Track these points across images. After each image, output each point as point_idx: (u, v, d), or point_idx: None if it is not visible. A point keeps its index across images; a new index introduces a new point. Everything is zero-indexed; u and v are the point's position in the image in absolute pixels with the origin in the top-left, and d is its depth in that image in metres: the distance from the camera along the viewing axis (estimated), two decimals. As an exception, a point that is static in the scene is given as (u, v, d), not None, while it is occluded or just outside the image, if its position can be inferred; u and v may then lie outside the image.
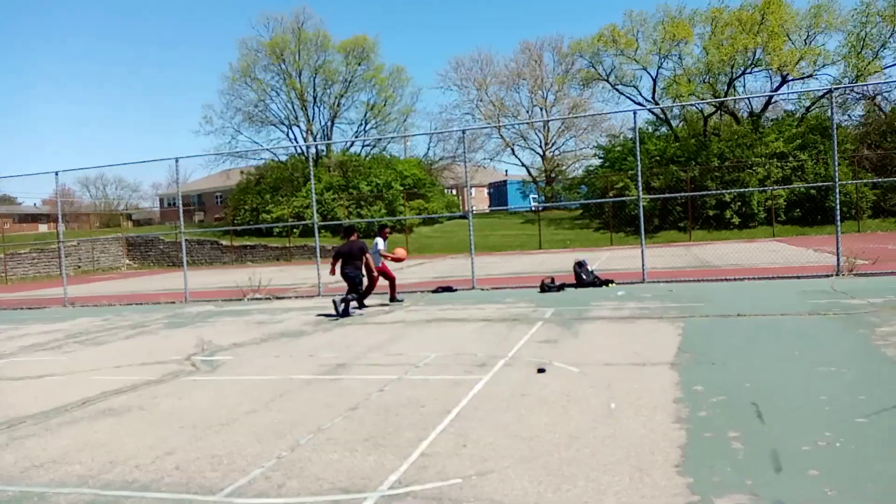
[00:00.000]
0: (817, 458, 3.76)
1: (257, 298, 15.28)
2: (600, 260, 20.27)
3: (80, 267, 36.37)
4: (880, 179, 24.91)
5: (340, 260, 11.78)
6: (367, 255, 11.92)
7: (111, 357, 8.80)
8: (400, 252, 13.31)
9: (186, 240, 16.96)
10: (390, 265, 13.06)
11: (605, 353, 6.98)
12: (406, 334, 9.06)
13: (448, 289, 14.17)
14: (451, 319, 10.15)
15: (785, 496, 3.28)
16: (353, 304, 11.79)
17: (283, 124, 45.43)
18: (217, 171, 50.04)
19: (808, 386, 5.24)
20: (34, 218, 68.31)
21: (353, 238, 11.92)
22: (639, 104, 39.29)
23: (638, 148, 14.23)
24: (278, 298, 15.18)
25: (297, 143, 45.50)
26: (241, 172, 45.46)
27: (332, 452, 4.41)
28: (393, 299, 12.81)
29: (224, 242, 37.66)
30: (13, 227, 56.60)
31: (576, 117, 47.74)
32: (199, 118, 64.22)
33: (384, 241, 12.77)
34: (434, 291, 14.17)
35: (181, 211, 16.76)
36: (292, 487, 3.85)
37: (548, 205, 43.24)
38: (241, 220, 39.48)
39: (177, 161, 16.85)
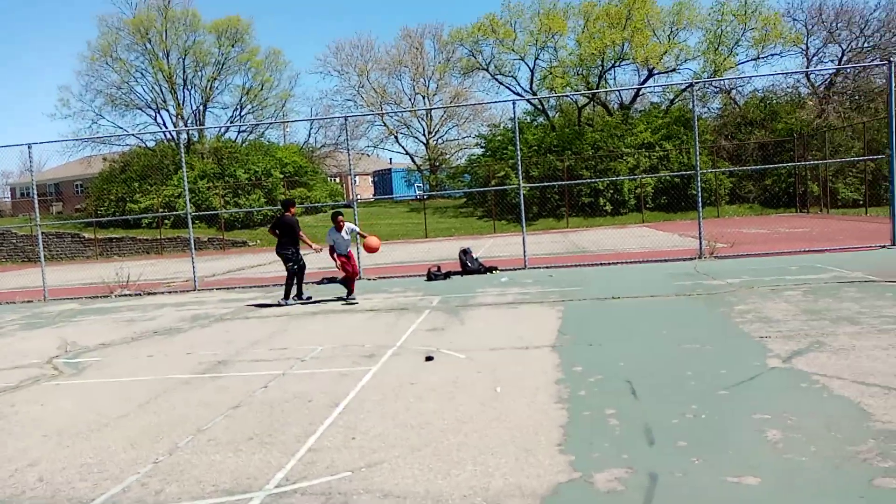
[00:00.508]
0: (685, 430, 4.05)
1: (126, 295, 14.35)
2: (484, 247, 20.72)
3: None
4: (736, 168, 27.14)
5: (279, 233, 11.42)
6: (302, 234, 11.53)
7: (-43, 364, 7.95)
8: (373, 241, 11.05)
9: (43, 233, 15.61)
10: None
11: (491, 338, 7.15)
12: (291, 327, 8.84)
13: (333, 279, 13.96)
14: (338, 311, 10.02)
15: (657, 467, 3.50)
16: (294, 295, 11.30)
17: (150, 108, 42.76)
18: (76, 158, 46.36)
19: (676, 363, 5.62)
20: None
21: (289, 213, 11.54)
22: (518, 94, 40.39)
23: (517, 137, 14.63)
24: (150, 294, 14.33)
25: (166, 128, 43.02)
26: (104, 160, 42.26)
27: (214, 454, 4.23)
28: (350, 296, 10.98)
29: (87, 235, 34.97)
30: None
31: (457, 106, 48.39)
32: (54, 101, 58.91)
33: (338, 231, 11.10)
34: (320, 283, 13.92)
35: (36, 201, 15.35)
36: (172, 493, 3.65)
37: (432, 193, 43.60)
38: (105, 210, 36.77)
39: (29, 147, 15.44)
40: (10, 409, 5.70)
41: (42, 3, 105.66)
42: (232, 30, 41.91)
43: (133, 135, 40.97)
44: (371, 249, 11.08)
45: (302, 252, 11.55)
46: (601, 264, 13.56)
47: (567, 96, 37.87)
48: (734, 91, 38.91)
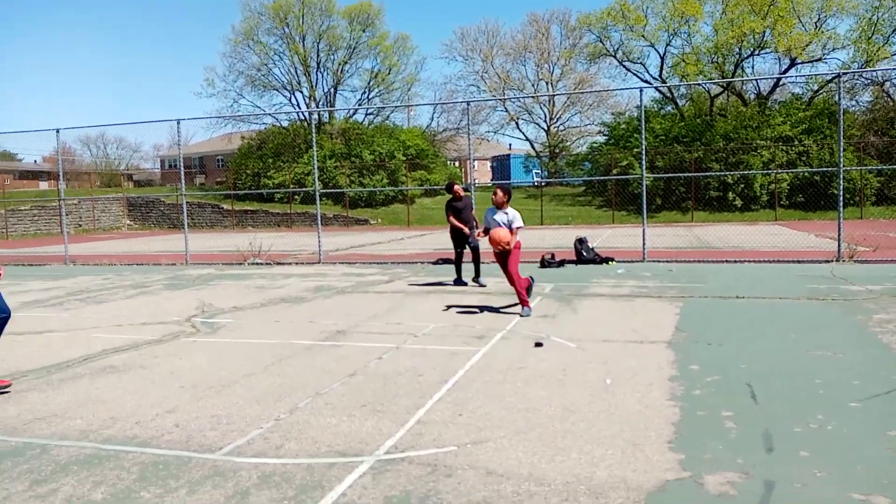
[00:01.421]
0: (809, 439, 3.82)
1: (258, 263, 15.32)
2: (601, 237, 20.29)
3: (80, 226, 36.37)
4: (885, 167, 24.83)
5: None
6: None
7: (112, 316, 8.85)
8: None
9: (188, 202, 16.95)
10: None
11: (603, 329, 7.03)
12: (406, 304, 9.11)
13: (449, 261, 14.19)
14: (451, 291, 10.20)
15: (775, 475, 3.34)
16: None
17: (286, 89, 45.09)
18: (219, 134, 49.75)
19: (803, 369, 5.29)
20: (35, 175, 68.07)
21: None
22: (646, 82, 38.97)
23: (643, 126, 14.14)
24: (278, 264, 15.22)
25: (299, 108, 45.18)
26: (243, 137, 45.18)
27: (330, 416, 4.47)
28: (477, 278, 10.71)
29: (225, 206, 37.61)
30: (13, 184, 56.41)
31: (581, 93, 47.36)
32: (201, 80, 63.43)
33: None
34: (435, 263, 14.21)
35: (182, 173, 16.70)
36: (290, 449, 3.91)
37: (550, 180, 43.11)
38: (242, 184, 39.36)
39: (178, 123, 16.76)
40: (153, 360, 6.29)
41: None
42: (364, 15, 43.25)
43: (269, 114, 43.43)
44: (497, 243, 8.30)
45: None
46: (726, 261, 12.91)
47: (699, 84, 36.03)
48: (888, 83, 35.45)
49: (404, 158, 39.05)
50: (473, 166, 18.84)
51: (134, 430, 4.32)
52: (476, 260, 10.65)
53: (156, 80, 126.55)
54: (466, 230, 10.38)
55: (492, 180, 57.32)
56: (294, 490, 3.34)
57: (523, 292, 8.02)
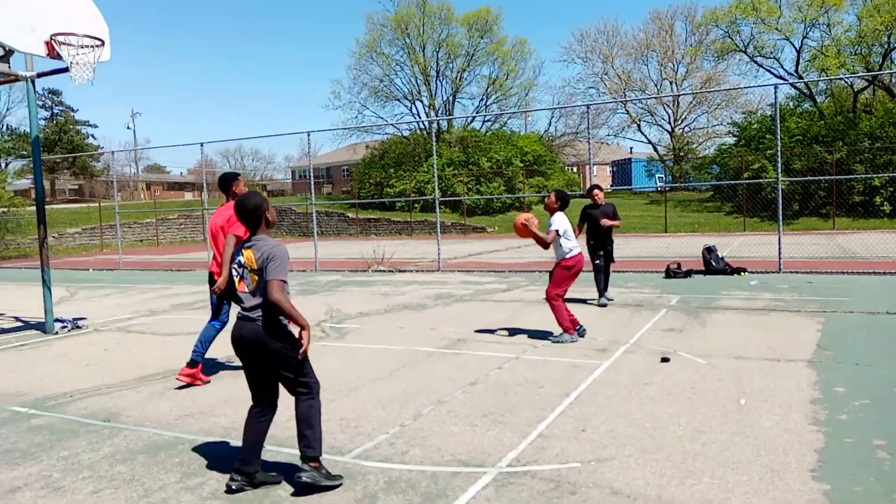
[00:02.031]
0: (979, 476, 3.43)
1: (381, 270, 15.84)
2: (732, 246, 19.24)
3: (220, 232, 39.16)
4: None
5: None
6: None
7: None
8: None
9: (317, 211, 17.83)
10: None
11: (736, 345, 6.67)
12: (524, 313, 9.09)
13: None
14: (570, 301, 10.05)
15: (938, 514, 3.03)
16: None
17: (407, 99, 46.38)
18: (345, 144, 51.97)
19: (970, 396, 4.76)
20: (181, 186, 74.23)
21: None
22: (780, 78, 36.57)
23: (778, 126, 13.28)
24: (400, 271, 15.65)
25: (419, 118, 46.30)
26: (367, 147, 46.96)
27: (452, 425, 4.55)
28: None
29: (350, 215, 39.17)
30: (163, 194, 61.83)
31: (709, 91, 45.10)
32: (328, 92, 66.88)
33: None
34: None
35: (312, 183, 17.59)
36: (415, 455, 4.01)
37: (675, 185, 41.44)
38: (365, 193, 40.86)
39: (308, 135, 17.68)
40: (288, 362, 6.66)
41: (320, 4, 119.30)
42: (482, 21, 43.70)
43: (391, 124, 44.85)
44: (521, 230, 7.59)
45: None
46: (874, 273, 11.85)
47: (841, 79, 33.30)
48: None
49: (521, 165, 38.99)
50: (593, 171, 18.49)
51: (272, 430, 4.58)
52: (606, 274, 9.79)
53: (288, 95, 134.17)
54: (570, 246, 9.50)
55: (612, 185, 55.94)
56: (419, 497, 3.43)
57: (561, 315, 7.14)
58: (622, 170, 54.79)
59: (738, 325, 7.72)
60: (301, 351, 3.57)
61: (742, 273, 12.51)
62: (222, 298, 5.86)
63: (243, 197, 3.72)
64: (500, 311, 9.31)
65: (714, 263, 12.80)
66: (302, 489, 3.56)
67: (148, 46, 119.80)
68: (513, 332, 7.79)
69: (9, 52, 8.57)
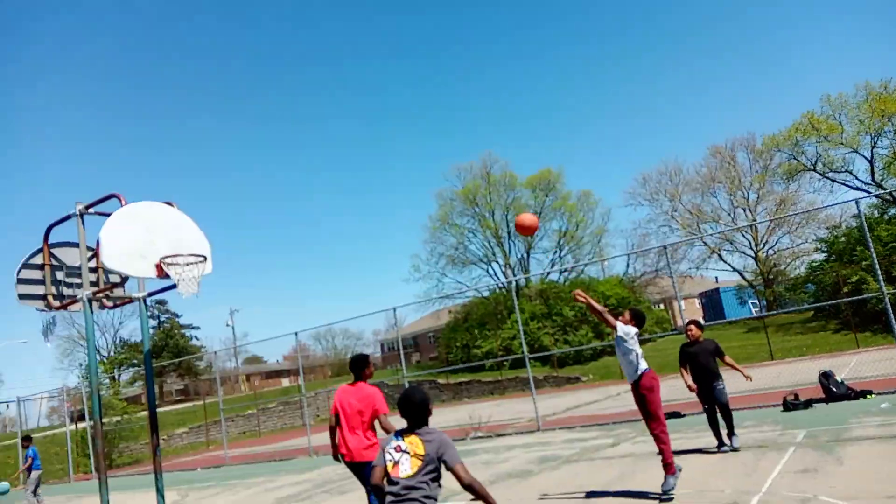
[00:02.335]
0: None
1: (480, 437, 15.44)
2: (849, 367, 17.85)
3: (318, 416, 39.58)
4: None
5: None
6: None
7: (354, 506, 9.29)
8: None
9: (408, 381, 17.90)
10: None
11: (882, 482, 6.00)
12: (638, 469, 8.54)
13: (675, 414, 13.28)
14: (685, 450, 9.42)
15: None
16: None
17: (483, 262, 47.72)
18: (428, 312, 53.05)
19: None
20: (277, 374, 76.57)
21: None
22: (857, 189, 35.73)
23: (868, 237, 12.79)
24: (499, 436, 15.20)
25: (497, 277, 47.21)
26: (450, 312, 47.81)
27: None
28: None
29: (441, 381, 39.06)
30: (261, 383, 63.77)
31: (786, 216, 44.29)
32: (407, 267, 69.85)
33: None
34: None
35: (402, 354, 17.89)
36: None
37: (772, 311, 39.57)
38: (453, 357, 40.93)
39: (395, 310, 18.25)
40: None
41: (399, 190, 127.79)
42: (544, 181, 45.69)
43: (471, 288, 45.84)
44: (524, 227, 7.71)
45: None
46: None
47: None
48: None
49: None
50: (681, 306, 18.07)
51: None
52: (725, 416, 8.90)
53: (371, 273, 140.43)
54: (692, 384, 8.93)
55: (704, 319, 53.95)
56: None
57: (668, 450, 6.65)
58: (711, 301, 53.05)
59: (878, 458, 6.98)
60: None
61: (868, 396, 11.50)
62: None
63: (409, 392, 4.07)
64: (612, 469, 8.79)
65: (834, 389, 11.87)
66: None
67: (243, 250, 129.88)
68: (632, 494, 7.29)
69: (124, 279, 9.54)
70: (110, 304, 10.00)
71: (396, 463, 3.82)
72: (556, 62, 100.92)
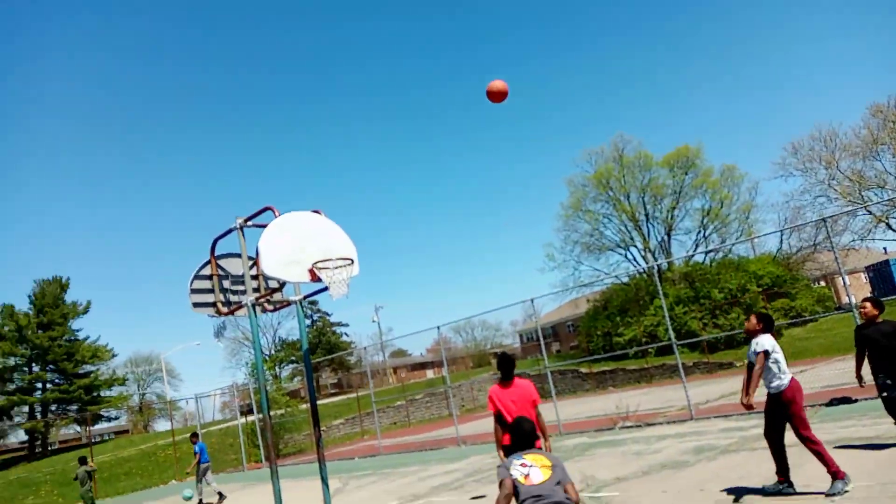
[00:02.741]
0: None
1: (628, 426, 15.10)
2: None
3: (463, 406, 40.46)
4: None
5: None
6: None
7: (506, 495, 9.44)
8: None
9: (550, 371, 17.86)
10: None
11: None
12: (804, 461, 7.97)
13: (845, 399, 12.25)
14: (859, 438, 8.69)
15: None
16: None
17: (620, 247, 46.30)
18: (566, 301, 52.36)
19: None
20: (422, 366, 79.06)
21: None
22: None
23: None
24: (649, 425, 14.78)
25: (636, 263, 45.70)
26: (588, 300, 46.92)
27: None
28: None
29: (583, 370, 38.51)
30: (407, 375, 66.15)
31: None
32: (542, 257, 69.31)
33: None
34: (827, 404, 12.37)
35: (543, 346, 17.83)
36: None
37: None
38: (594, 345, 40.20)
39: (532, 301, 18.25)
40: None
41: (521, 175, 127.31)
42: (682, 159, 43.46)
43: (609, 275, 44.72)
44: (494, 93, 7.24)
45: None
46: None
47: None
48: None
49: (759, 289, 36.09)
50: (845, 282, 16.62)
51: None
52: None
53: (507, 264, 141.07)
54: (862, 375, 7.93)
55: (872, 293, 49.07)
56: None
57: (829, 458, 6.31)
58: (880, 274, 48.12)
59: None
60: None
61: None
62: None
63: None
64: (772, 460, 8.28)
65: None
66: None
67: (386, 249, 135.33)
68: (801, 484, 6.85)
69: (282, 285, 10.30)
70: (271, 307, 10.83)
71: (527, 476, 4.38)
72: (689, 37, 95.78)
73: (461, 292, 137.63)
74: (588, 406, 23.76)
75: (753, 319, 6.97)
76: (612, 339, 38.99)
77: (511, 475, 4.39)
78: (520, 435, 4.74)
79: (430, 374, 72.50)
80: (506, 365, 6.31)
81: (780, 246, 45.29)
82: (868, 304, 7.90)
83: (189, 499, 15.12)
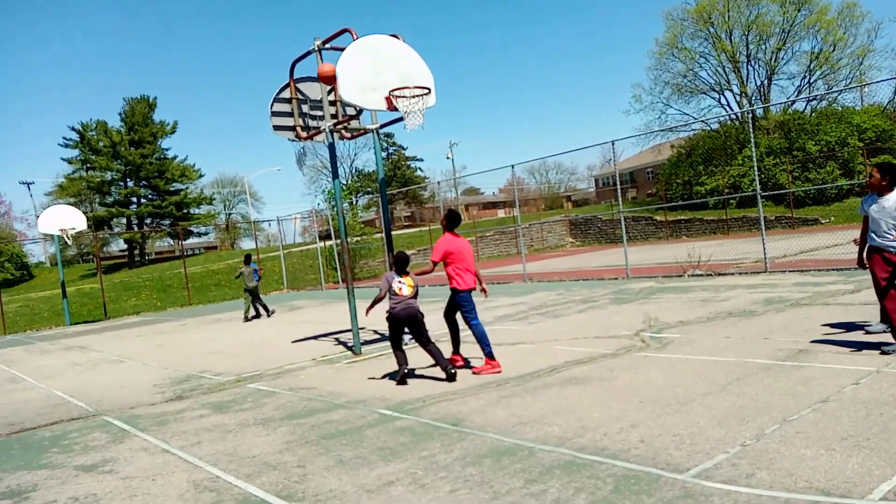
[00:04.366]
0: None
1: (698, 275, 15.01)
2: None
3: (532, 245, 41.10)
4: None
5: None
6: None
7: (568, 329, 9.76)
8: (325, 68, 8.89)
9: (623, 217, 17.65)
10: None
11: None
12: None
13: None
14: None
15: None
16: None
17: (714, 91, 43.40)
18: (648, 146, 50.49)
19: None
20: (493, 205, 79.71)
21: None
22: None
23: None
24: (720, 275, 14.65)
25: (729, 108, 42.93)
26: (672, 146, 45.02)
27: (802, 448, 4.11)
28: None
29: (658, 218, 37.92)
30: (479, 213, 67.07)
31: None
32: (627, 98, 65.79)
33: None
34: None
35: (619, 190, 17.48)
36: (762, 479, 3.72)
37: None
38: (672, 194, 39.18)
39: (612, 144, 17.61)
40: (610, 373, 6.70)
41: (616, 6, 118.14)
42: (799, -8, 39.00)
43: (698, 119, 42.38)
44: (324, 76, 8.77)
45: None
46: None
47: None
48: None
49: (860, 144, 33.58)
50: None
51: (602, 442, 4.67)
52: None
53: (588, 106, 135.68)
54: None
55: None
56: (773, 525, 3.17)
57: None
58: None
59: None
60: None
61: None
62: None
63: (400, 254, 7.59)
64: (847, 316, 8.13)
65: None
66: None
67: (461, 85, 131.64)
68: (867, 345, 6.74)
69: (359, 112, 10.21)
70: (348, 135, 10.87)
71: (400, 287, 7.35)
72: None
73: (537, 134, 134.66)
74: (658, 253, 23.66)
75: (877, 174, 6.37)
76: (692, 188, 37.82)
77: (391, 285, 7.34)
78: (399, 263, 7.48)
79: (500, 213, 73.20)
80: (456, 219, 7.78)
81: (893, 97, 41.35)
82: (876, 173, 6.50)
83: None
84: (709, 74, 43.12)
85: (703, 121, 42.46)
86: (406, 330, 7.43)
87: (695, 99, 44.62)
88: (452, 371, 7.16)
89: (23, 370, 12.47)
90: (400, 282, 7.34)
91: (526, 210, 59.86)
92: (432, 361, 7.51)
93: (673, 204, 30.20)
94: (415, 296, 7.42)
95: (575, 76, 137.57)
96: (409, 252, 8.71)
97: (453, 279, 7.53)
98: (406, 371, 7.34)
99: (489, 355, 7.42)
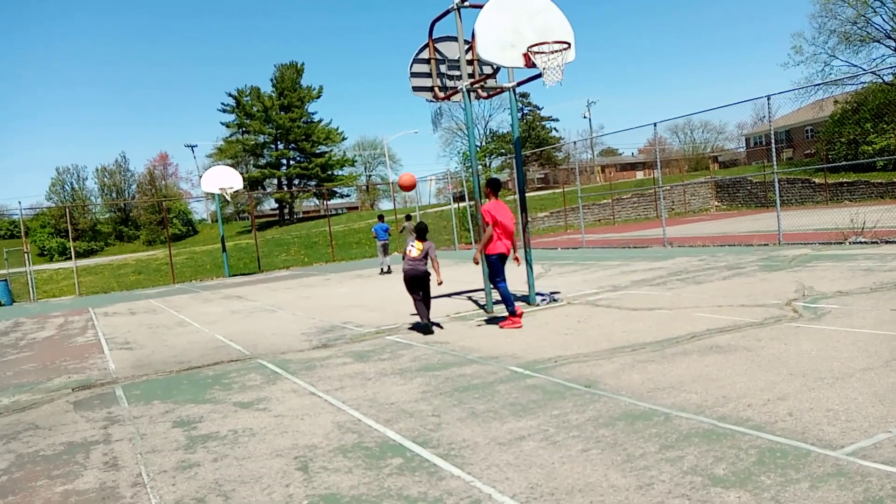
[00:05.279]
0: None
1: (862, 242, 13.70)
2: None
3: (673, 209, 39.30)
4: None
5: None
6: None
7: (710, 296, 9.30)
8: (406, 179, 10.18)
9: (777, 179, 16.37)
10: None
11: None
12: None
13: None
14: None
15: None
16: None
17: (890, 38, 38.64)
18: (807, 103, 46.08)
19: None
20: (632, 166, 76.77)
21: None
22: None
23: None
24: (888, 242, 13.28)
25: (909, 57, 38.14)
26: (836, 102, 40.81)
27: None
28: None
29: (817, 180, 34.86)
30: (616, 175, 64.91)
31: None
32: (786, 50, 60.08)
33: None
34: None
35: (774, 150, 16.19)
36: (932, 464, 3.39)
37: None
38: (835, 154, 35.73)
39: (768, 99, 16.28)
40: (757, 343, 6.33)
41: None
42: None
43: (868, 71, 38.06)
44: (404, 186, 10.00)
45: None
46: None
47: None
48: None
49: None
50: None
51: (746, 412, 4.45)
52: None
53: (739, 58, 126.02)
54: None
55: None
56: (942, 513, 2.90)
57: None
58: None
59: None
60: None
61: None
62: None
63: (421, 224, 8.88)
64: None
65: None
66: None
67: (600, 37, 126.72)
68: None
69: (496, 70, 10.15)
70: (485, 94, 10.85)
71: (411, 249, 8.53)
72: None
73: (681, 90, 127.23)
74: (816, 218, 21.79)
75: None
76: (858, 148, 34.28)
77: (406, 248, 8.60)
78: (419, 231, 8.66)
79: (639, 175, 70.36)
80: (498, 186, 8.68)
81: None
82: None
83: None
84: (884, 19, 38.41)
85: (874, 72, 38.03)
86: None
87: (865, 48, 40.00)
88: (430, 325, 8.59)
89: (189, 315, 13.83)
90: (412, 245, 8.53)
91: (668, 172, 57.05)
92: (577, 321, 7.69)
93: (835, 164, 27.60)
94: (423, 258, 8.50)
95: (727, 25, 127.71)
96: (541, 215, 9.25)
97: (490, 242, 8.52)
98: (426, 322, 8.59)
99: (511, 313, 8.40)
